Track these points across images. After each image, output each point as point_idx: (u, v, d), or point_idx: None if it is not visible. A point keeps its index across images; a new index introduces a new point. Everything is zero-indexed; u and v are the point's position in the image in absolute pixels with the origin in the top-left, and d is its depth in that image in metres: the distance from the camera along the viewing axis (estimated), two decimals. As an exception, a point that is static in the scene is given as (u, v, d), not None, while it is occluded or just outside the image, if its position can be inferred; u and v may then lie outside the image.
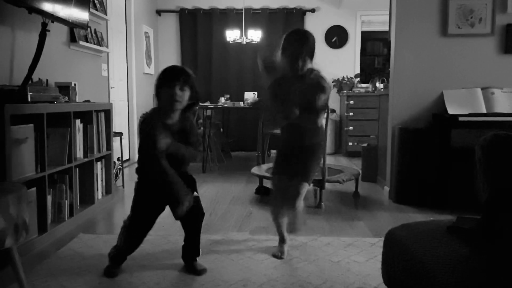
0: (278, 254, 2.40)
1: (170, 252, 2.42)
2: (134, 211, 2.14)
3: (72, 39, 3.68)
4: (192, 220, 2.18)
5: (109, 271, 2.13)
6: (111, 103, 3.72)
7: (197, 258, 2.22)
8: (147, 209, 2.12)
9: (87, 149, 3.17)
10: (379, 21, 6.90)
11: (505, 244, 1.24)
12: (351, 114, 6.27)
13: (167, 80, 2.04)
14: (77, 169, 3.04)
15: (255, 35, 6.08)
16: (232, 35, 6.09)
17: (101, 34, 4.29)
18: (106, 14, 4.38)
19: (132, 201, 2.15)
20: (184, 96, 2.04)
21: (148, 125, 2.02)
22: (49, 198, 2.69)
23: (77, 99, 3.30)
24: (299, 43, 2.28)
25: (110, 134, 3.57)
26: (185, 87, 2.04)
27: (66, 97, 3.04)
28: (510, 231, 1.26)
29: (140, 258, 2.34)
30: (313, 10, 6.83)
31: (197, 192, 2.21)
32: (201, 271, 2.16)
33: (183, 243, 2.24)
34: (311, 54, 2.31)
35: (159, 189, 2.05)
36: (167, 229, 2.71)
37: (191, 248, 2.22)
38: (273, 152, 6.59)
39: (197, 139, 2.19)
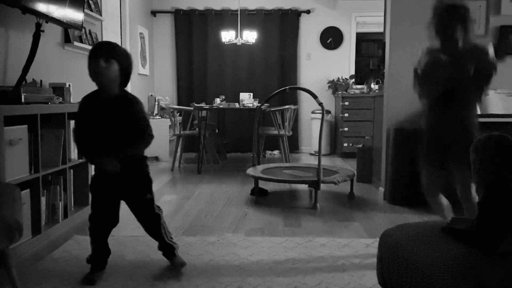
0: None
1: (165, 254, 2.41)
2: (92, 204, 2.15)
3: (67, 39, 3.66)
4: (146, 221, 2.20)
5: (87, 278, 2.08)
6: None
7: (176, 252, 2.24)
8: (103, 198, 2.13)
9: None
10: (374, 23, 6.92)
11: (499, 244, 1.24)
12: (346, 115, 6.29)
13: (91, 54, 2.01)
14: (71, 170, 3.03)
15: (250, 36, 6.08)
16: (227, 36, 6.09)
17: (96, 35, 4.27)
18: (101, 15, 4.37)
19: (90, 194, 2.17)
20: (109, 68, 1.97)
21: (83, 106, 2.07)
22: (43, 200, 2.67)
23: (71, 100, 3.28)
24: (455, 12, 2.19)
25: (104, 135, 3.55)
26: (110, 60, 1.97)
27: (60, 98, 3.03)
28: (504, 231, 1.27)
29: (134, 259, 2.33)
30: (308, 11, 6.84)
31: (151, 193, 2.19)
32: (181, 264, 2.21)
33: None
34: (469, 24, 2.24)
35: (110, 177, 2.06)
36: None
37: (162, 246, 2.24)
38: (269, 153, 6.60)
39: (143, 117, 2.07)
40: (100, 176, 2.13)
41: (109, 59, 1.97)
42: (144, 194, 2.16)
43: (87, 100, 2.11)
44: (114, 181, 2.09)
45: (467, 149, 1.74)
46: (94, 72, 1.99)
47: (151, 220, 2.20)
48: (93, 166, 3.36)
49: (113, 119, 2.02)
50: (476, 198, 1.58)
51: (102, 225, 2.16)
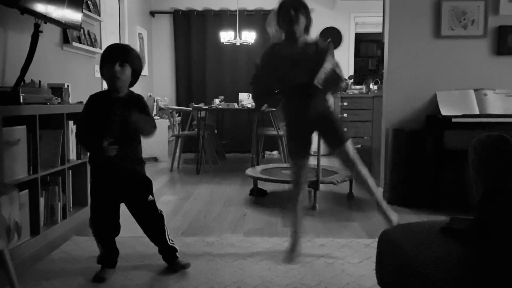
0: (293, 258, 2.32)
1: (163, 254, 2.41)
2: (92, 207, 2.14)
3: (65, 40, 3.66)
4: (149, 223, 2.20)
5: (98, 276, 2.10)
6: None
7: (177, 254, 2.23)
8: (102, 201, 2.12)
9: (80, 151, 3.15)
10: (372, 23, 6.92)
11: (499, 244, 1.24)
12: (345, 115, 6.28)
13: (107, 58, 2.04)
14: (70, 171, 3.02)
15: (249, 36, 6.09)
16: (226, 36, 6.09)
17: (95, 35, 4.27)
18: (99, 15, 4.37)
19: (90, 199, 2.15)
20: (123, 72, 2.03)
21: (92, 103, 2.09)
22: (41, 200, 2.67)
23: (70, 101, 3.27)
24: (300, 6, 2.27)
25: (103, 135, 3.55)
26: (125, 63, 2.03)
27: (59, 99, 3.02)
28: (504, 231, 1.27)
29: (133, 260, 2.33)
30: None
31: (152, 195, 2.19)
32: (185, 265, 2.20)
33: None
34: (310, 21, 2.32)
35: (111, 176, 2.08)
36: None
37: (163, 248, 2.23)
38: (268, 153, 6.60)
39: (150, 115, 2.17)
40: (100, 180, 2.13)
41: (123, 63, 2.02)
42: (146, 196, 2.16)
43: (95, 98, 2.13)
44: (114, 184, 2.09)
45: (333, 124, 2.32)
46: (109, 76, 2.03)
47: (154, 222, 2.19)
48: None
49: (123, 116, 2.04)
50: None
51: (104, 229, 2.15)
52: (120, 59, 2.01)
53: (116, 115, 2.03)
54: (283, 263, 2.30)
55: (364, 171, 2.37)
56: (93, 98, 2.13)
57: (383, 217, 2.39)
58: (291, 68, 2.30)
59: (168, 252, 2.23)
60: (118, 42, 5.46)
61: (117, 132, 2.03)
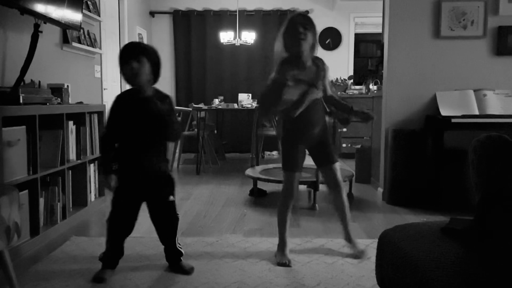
0: (286, 262, 2.31)
1: (162, 254, 2.39)
2: (114, 204, 2.14)
3: (65, 40, 3.66)
4: (166, 224, 2.20)
5: (98, 276, 2.10)
6: (104, 105, 3.70)
7: (181, 258, 2.23)
8: (126, 199, 2.12)
9: (80, 151, 3.15)
10: (372, 23, 6.93)
11: (498, 245, 1.25)
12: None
13: (123, 57, 2.04)
14: (70, 171, 3.02)
15: (249, 36, 6.09)
16: (226, 36, 6.10)
17: (94, 36, 4.27)
18: (99, 15, 4.37)
19: (112, 195, 2.14)
20: (142, 68, 2.02)
21: (118, 104, 2.08)
22: (41, 201, 2.67)
23: (69, 101, 3.27)
24: (310, 25, 2.26)
25: (103, 136, 3.55)
26: (142, 59, 2.02)
27: (59, 99, 3.02)
28: (503, 231, 1.27)
29: (132, 260, 2.33)
30: (306, 12, 6.84)
31: (173, 195, 2.20)
32: (189, 270, 2.18)
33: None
34: (316, 41, 2.33)
35: (136, 175, 2.08)
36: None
37: (171, 250, 2.23)
38: (267, 153, 6.60)
39: (176, 119, 2.19)
40: (125, 179, 2.11)
41: (140, 59, 2.01)
42: (167, 195, 2.16)
43: (122, 99, 2.12)
44: (139, 184, 2.09)
45: (328, 143, 2.41)
46: (129, 75, 2.03)
47: (170, 222, 2.19)
48: (90, 168, 3.36)
49: (151, 116, 2.05)
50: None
51: (120, 227, 2.14)
52: (136, 55, 2.01)
53: (146, 115, 2.04)
54: (278, 265, 2.30)
55: (344, 197, 2.47)
56: (120, 99, 2.11)
57: (352, 248, 2.46)
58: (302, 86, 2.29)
59: (174, 254, 2.23)
60: (118, 42, 5.46)
61: (147, 133, 2.05)
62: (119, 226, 2.14)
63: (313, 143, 2.41)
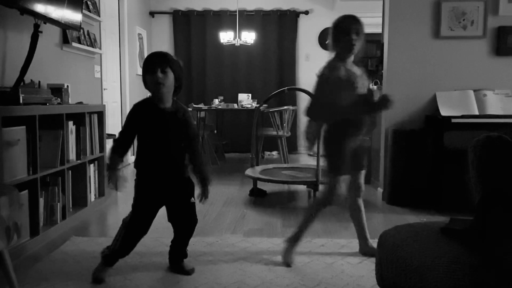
0: (289, 262, 2.30)
1: (163, 254, 2.40)
2: (134, 207, 2.12)
3: (65, 40, 3.66)
4: (186, 225, 2.20)
5: (97, 277, 2.09)
6: (104, 105, 3.70)
7: (184, 260, 2.23)
8: (147, 204, 2.10)
9: (80, 151, 3.15)
10: (372, 23, 6.88)
11: (498, 245, 1.25)
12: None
13: (148, 66, 2.04)
14: (70, 171, 3.02)
15: (249, 37, 6.09)
16: (226, 36, 6.10)
17: (94, 36, 4.27)
18: (99, 16, 4.37)
19: (133, 199, 2.13)
20: (166, 78, 2.02)
21: (136, 114, 2.07)
22: (41, 201, 2.67)
23: (69, 101, 3.27)
24: (361, 29, 2.28)
25: (103, 136, 3.56)
26: (166, 69, 2.02)
27: (59, 99, 3.02)
28: (503, 232, 1.27)
29: (133, 260, 2.32)
30: (306, 12, 6.85)
31: (194, 198, 2.19)
32: (190, 271, 2.18)
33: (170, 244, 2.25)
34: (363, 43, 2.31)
35: (157, 181, 2.08)
36: (160, 231, 2.69)
37: (179, 251, 2.23)
38: (267, 153, 6.60)
39: (195, 130, 2.19)
40: (146, 184, 2.11)
41: (165, 70, 2.01)
42: (188, 198, 2.17)
43: (140, 109, 2.09)
44: (160, 189, 2.09)
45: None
46: (154, 84, 2.02)
47: (189, 224, 2.20)
48: (90, 169, 3.36)
49: (173, 129, 2.06)
50: None
51: (137, 230, 2.13)
52: (161, 66, 2.01)
53: (167, 131, 2.05)
54: (284, 265, 2.29)
55: (361, 201, 2.52)
56: (138, 108, 2.09)
57: (370, 253, 2.41)
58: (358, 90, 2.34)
59: (179, 255, 2.23)
60: (118, 43, 5.46)
61: (167, 143, 2.06)
62: (137, 230, 2.12)
63: (355, 145, 2.36)
